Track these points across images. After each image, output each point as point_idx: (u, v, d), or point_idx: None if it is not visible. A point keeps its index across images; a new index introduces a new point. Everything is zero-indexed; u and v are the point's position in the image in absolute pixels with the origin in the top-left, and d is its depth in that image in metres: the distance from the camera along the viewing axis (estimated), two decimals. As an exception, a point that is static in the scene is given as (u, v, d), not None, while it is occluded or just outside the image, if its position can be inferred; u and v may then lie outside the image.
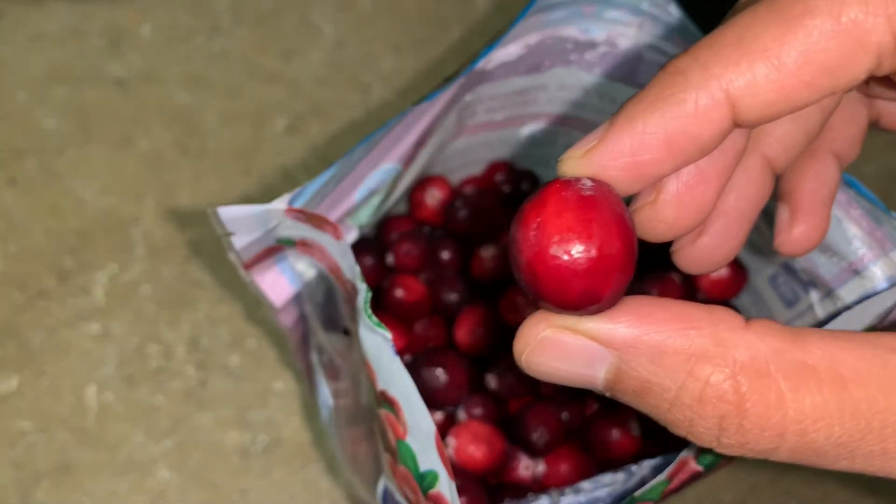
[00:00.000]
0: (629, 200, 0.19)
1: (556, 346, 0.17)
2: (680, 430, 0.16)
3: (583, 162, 0.17)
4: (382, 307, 0.34)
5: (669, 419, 0.16)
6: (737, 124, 0.17)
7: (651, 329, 0.16)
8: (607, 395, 0.17)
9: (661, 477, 0.25)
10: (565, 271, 0.16)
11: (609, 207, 0.17)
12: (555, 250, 0.16)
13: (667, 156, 0.17)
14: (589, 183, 0.17)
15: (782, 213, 0.24)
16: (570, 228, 0.16)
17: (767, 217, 0.32)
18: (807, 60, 0.16)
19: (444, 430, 0.32)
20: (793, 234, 0.23)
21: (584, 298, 0.16)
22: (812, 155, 0.23)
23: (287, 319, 0.32)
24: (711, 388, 0.15)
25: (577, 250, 0.16)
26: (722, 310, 0.16)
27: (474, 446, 0.31)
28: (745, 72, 0.16)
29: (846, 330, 0.16)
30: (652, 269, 0.34)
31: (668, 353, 0.16)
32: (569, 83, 0.35)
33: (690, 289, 0.35)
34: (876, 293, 0.28)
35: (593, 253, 0.16)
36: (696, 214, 0.19)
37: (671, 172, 0.18)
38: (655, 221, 0.19)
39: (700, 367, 0.15)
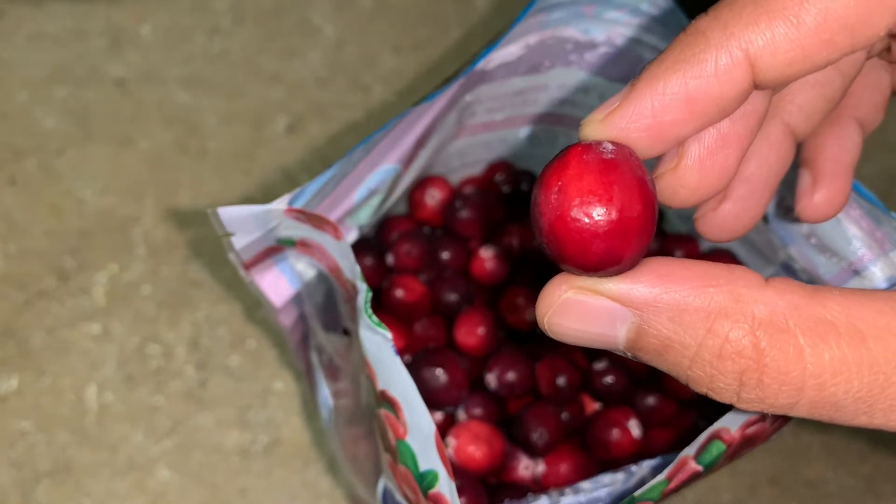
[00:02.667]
0: (651, 166, 0.19)
1: (577, 308, 0.17)
2: (700, 387, 0.16)
3: (604, 125, 0.17)
4: (382, 307, 0.34)
5: (690, 376, 0.16)
6: (756, 85, 0.17)
7: (670, 288, 0.16)
8: (628, 355, 0.17)
9: (661, 477, 0.25)
10: (586, 234, 0.16)
11: (630, 170, 0.17)
12: (576, 213, 0.16)
13: (688, 117, 0.17)
14: (610, 146, 0.17)
15: (804, 179, 0.24)
16: (591, 191, 0.16)
17: (765, 216, 0.32)
18: (826, 18, 0.16)
19: (444, 430, 0.32)
20: (814, 199, 0.23)
21: (604, 260, 0.16)
22: (834, 121, 0.23)
23: (287, 319, 0.32)
24: (731, 344, 0.15)
25: (598, 213, 0.16)
26: (741, 268, 0.16)
27: (474, 446, 0.31)
28: (765, 31, 0.16)
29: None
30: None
31: (688, 311, 0.16)
32: (569, 83, 0.35)
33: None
34: (875, 293, 0.28)
35: (614, 215, 0.16)
36: (719, 179, 0.19)
37: (692, 134, 0.18)
38: (678, 187, 0.19)
39: (719, 323, 0.15)
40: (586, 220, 0.16)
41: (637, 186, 0.16)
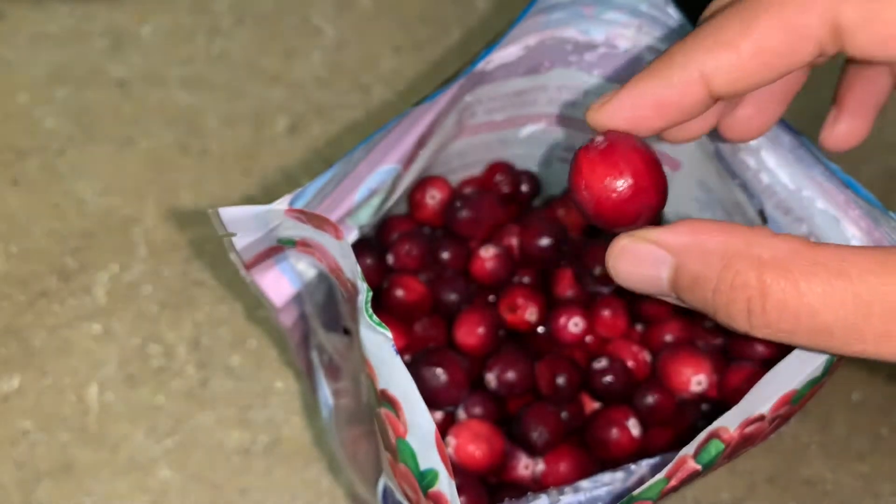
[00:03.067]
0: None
1: (631, 253, 0.21)
2: (720, 314, 0.20)
3: (598, 113, 0.23)
4: (383, 307, 0.34)
5: (714, 305, 0.20)
6: (713, 97, 0.22)
7: (699, 236, 0.20)
8: (673, 296, 0.21)
9: (660, 475, 0.25)
10: (620, 203, 0.22)
11: (625, 147, 0.22)
12: (606, 194, 0.22)
13: (656, 115, 0.23)
14: (601, 138, 0.22)
15: (831, 113, 0.28)
16: (606, 175, 0.22)
17: (762, 214, 0.32)
18: (760, 50, 0.21)
19: (444, 429, 0.32)
20: (835, 130, 0.27)
21: (640, 213, 0.22)
22: (867, 65, 0.26)
23: (287, 319, 0.33)
24: (740, 277, 0.19)
25: (620, 186, 0.22)
26: (760, 227, 0.20)
27: (474, 445, 0.31)
28: (715, 57, 0.21)
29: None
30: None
31: (710, 253, 0.20)
32: (568, 84, 0.35)
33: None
34: (874, 293, 0.28)
35: (630, 181, 0.22)
36: (701, 128, 0.25)
37: (664, 127, 0.23)
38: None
39: (733, 261, 0.19)
40: (614, 195, 0.22)
41: (636, 154, 0.22)
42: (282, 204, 0.27)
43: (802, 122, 0.31)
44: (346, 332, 0.32)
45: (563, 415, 0.33)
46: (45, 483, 0.38)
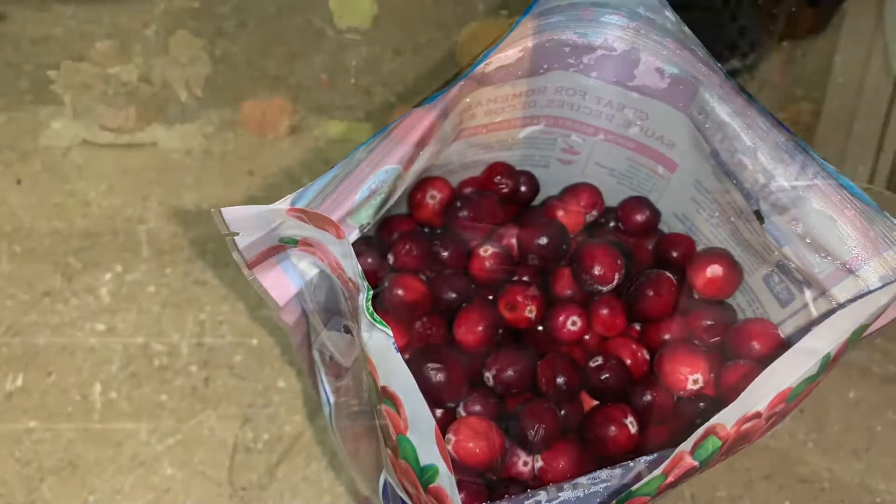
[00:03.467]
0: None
1: None
2: None
3: None
4: (383, 306, 0.34)
5: None
6: None
7: None
8: None
9: (658, 472, 0.25)
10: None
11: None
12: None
13: None
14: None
15: None
16: None
17: (758, 214, 0.32)
18: None
19: (443, 426, 0.32)
20: None
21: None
22: None
23: (289, 318, 0.33)
24: None
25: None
26: None
27: (473, 442, 0.31)
28: None
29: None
30: (648, 269, 0.35)
31: None
32: (566, 86, 0.36)
33: (685, 288, 0.35)
34: (869, 292, 0.29)
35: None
36: None
37: None
38: None
39: None
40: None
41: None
42: (283, 203, 0.27)
43: (799, 123, 0.31)
44: (348, 330, 0.32)
45: (562, 412, 0.33)
46: (49, 480, 0.38)
